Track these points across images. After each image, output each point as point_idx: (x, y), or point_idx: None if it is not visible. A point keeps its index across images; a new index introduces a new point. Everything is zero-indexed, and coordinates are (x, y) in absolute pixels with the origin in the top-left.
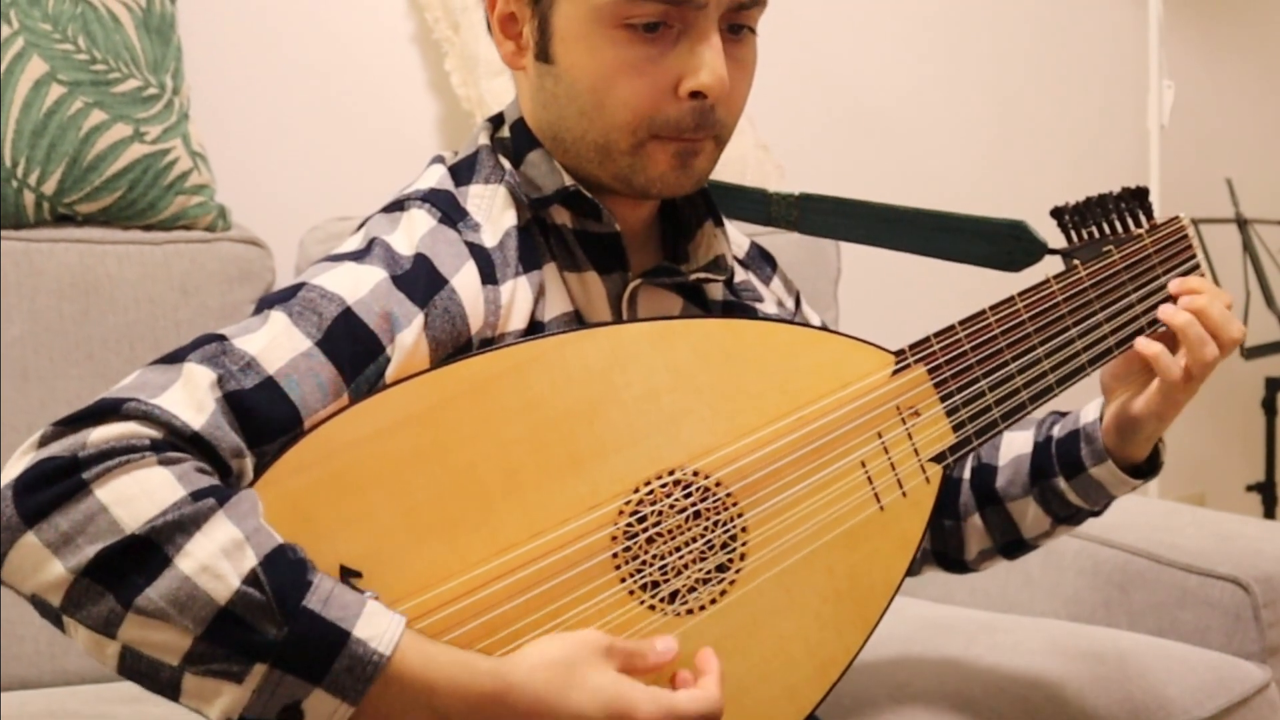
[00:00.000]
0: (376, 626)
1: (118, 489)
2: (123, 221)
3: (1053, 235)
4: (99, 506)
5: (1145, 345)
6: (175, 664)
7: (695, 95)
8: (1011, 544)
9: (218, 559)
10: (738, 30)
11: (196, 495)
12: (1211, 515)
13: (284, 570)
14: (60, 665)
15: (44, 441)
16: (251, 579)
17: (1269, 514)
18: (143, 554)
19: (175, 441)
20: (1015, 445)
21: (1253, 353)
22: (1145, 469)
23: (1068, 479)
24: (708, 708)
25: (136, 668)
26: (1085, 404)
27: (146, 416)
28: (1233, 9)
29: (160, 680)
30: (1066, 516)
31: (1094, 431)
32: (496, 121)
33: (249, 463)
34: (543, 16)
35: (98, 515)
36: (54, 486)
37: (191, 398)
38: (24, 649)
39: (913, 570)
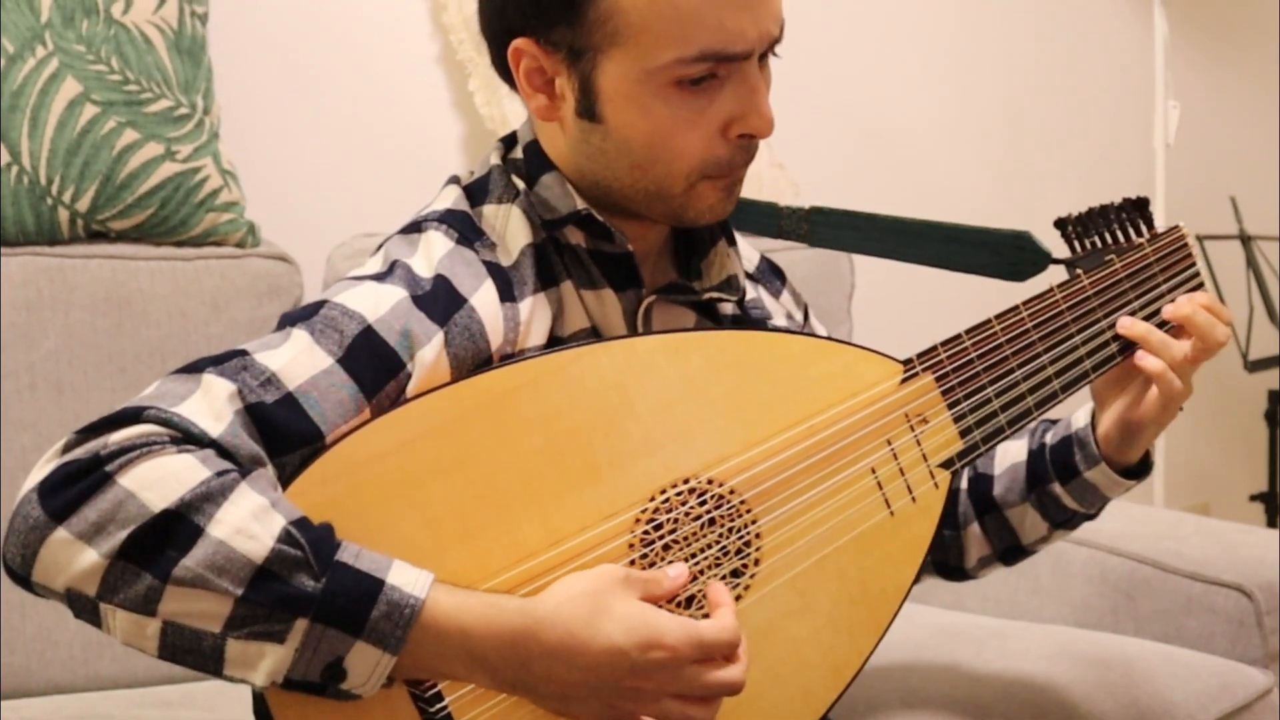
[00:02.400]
0: (407, 575)
1: (141, 475)
2: (155, 238)
3: (1057, 247)
4: (126, 493)
5: (1145, 361)
6: (217, 631)
7: (744, 135)
8: (1010, 550)
9: (249, 521)
10: (763, 58)
11: (220, 473)
12: (1216, 525)
13: (313, 529)
14: (94, 670)
15: (67, 448)
16: (285, 537)
17: (1272, 523)
18: (174, 528)
19: (193, 444)
20: (1010, 454)
21: (1256, 366)
22: (1137, 470)
23: (1063, 484)
24: (730, 636)
25: (179, 643)
26: (1079, 410)
27: (166, 423)
28: (1236, 31)
29: (203, 652)
30: (1063, 521)
31: (1086, 437)
32: (508, 142)
33: (269, 471)
34: (584, 76)
35: (125, 501)
36: (79, 483)
37: (210, 408)
38: (58, 654)
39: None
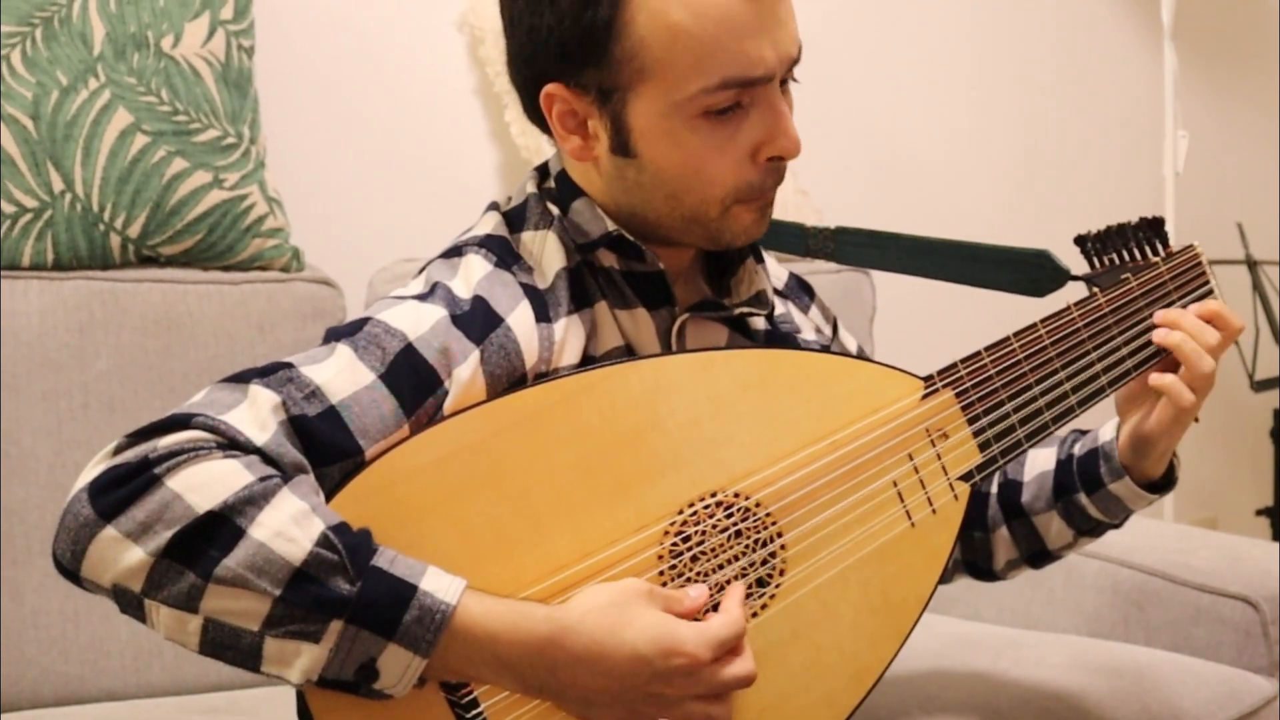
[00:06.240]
0: (440, 582)
1: (188, 478)
2: (203, 263)
3: (1076, 265)
4: (172, 495)
5: (1158, 379)
6: (256, 629)
7: (773, 158)
8: (1037, 554)
9: (289, 525)
10: (784, 83)
11: (264, 478)
12: (1223, 538)
13: (351, 534)
14: (145, 678)
15: (118, 450)
16: (323, 541)
17: (1277, 537)
18: (217, 529)
19: (239, 450)
20: (1039, 462)
21: (1261, 386)
22: (1160, 484)
23: (1088, 494)
24: (736, 628)
25: (219, 639)
26: (1104, 423)
27: (214, 430)
28: (1244, 63)
29: (242, 649)
30: (1088, 529)
31: (1111, 450)
32: (543, 171)
33: (310, 477)
34: (615, 115)
35: (172, 502)
36: (128, 485)
37: (256, 417)
38: (110, 663)
39: (946, 579)
